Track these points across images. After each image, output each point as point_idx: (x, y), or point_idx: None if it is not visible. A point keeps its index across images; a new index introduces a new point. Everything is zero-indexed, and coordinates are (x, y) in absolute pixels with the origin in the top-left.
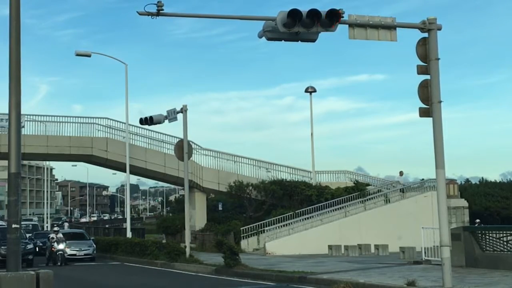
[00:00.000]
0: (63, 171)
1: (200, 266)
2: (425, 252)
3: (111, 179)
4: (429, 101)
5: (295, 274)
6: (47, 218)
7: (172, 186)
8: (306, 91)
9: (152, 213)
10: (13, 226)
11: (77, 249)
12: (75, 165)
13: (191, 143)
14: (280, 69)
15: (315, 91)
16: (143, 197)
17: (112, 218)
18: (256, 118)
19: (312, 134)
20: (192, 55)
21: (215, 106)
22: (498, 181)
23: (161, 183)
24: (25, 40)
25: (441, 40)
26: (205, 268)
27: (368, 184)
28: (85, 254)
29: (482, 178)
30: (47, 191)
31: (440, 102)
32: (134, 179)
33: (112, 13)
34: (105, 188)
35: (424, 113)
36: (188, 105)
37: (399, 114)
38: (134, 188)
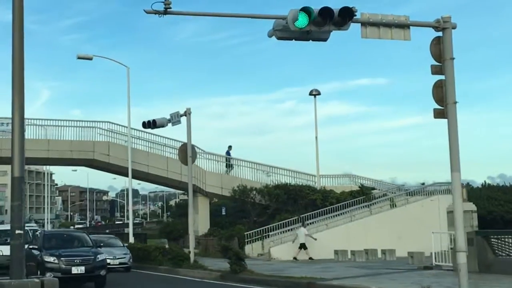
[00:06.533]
0: (63, 176)
1: (205, 272)
2: (435, 257)
3: (111, 184)
4: (444, 102)
5: (304, 280)
6: (47, 223)
7: (172, 191)
8: (311, 93)
9: (155, 219)
10: (17, 232)
11: (111, 257)
12: (75, 170)
13: (195, 147)
14: (282, 73)
15: (319, 93)
16: (143, 202)
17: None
18: (258, 122)
19: (316, 137)
20: (194, 60)
21: (216, 111)
22: (501, 185)
23: (161, 188)
24: (27, 45)
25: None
26: (210, 274)
27: (373, 188)
28: (120, 263)
29: (485, 182)
30: (48, 196)
31: (455, 103)
32: (134, 184)
33: (114, 18)
34: (105, 193)
35: (438, 114)
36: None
37: (397, 119)
38: (134, 193)
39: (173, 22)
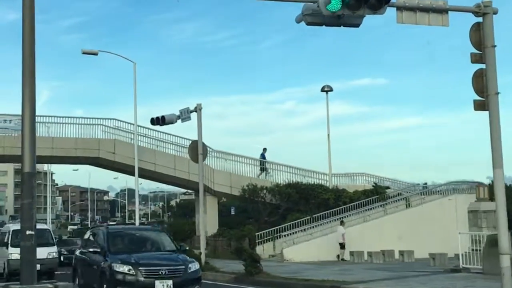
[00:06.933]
0: (63, 176)
1: (217, 274)
2: (462, 260)
3: (110, 184)
4: (484, 92)
5: (326, 283)
6: (49, 223)
7: (172, 191)
8: (323, 90)
9: (155, 219)
10: (28, 232)
11: None
12: (76, 170)
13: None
14: (282, 74)
15: (331, 90)
16: (143, 202)
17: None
18: (258, 122)
19: (328, 135)
20: (194, 60)
21: (216, 111)
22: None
23: (161, 188)
24: None
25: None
26: (223, 276)
27: (387, 187)
28: None
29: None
30: (50, 196)
31: (497, 93)
32: (134, 183)
33: (114, 18)
34: (106, 193)
35: (479, 106)
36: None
37: (397, 119)
38: (133, 193)
39: (173, 22)
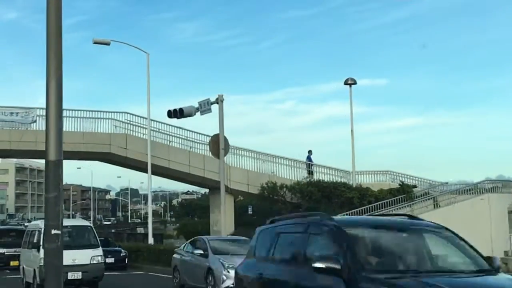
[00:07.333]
0: (64, 174)
1: None
2: None
3: (109, 183)
4: None
5: None
6: None
7: (172, 190)
8: (346, 83)
9: (157, 219)
10: (53, 232)
11: None
12: (79, 168)
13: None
14: (281, 73)
15: (355, 83)
16: (143, 201)
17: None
18: (258, 122)
19: (352, 131)
20: (193, 60)
21: (215, 110)
22: None
23: (163, 187)
24: (28, 44)
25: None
26: None
27: (414, 186)
28: None
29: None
30: None
31: None
32: (136, 183)
33: (115, 17)
34: (107, 192)
35: None
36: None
37: (397, 120)
38: (134, 192)
39: (173, 22)
